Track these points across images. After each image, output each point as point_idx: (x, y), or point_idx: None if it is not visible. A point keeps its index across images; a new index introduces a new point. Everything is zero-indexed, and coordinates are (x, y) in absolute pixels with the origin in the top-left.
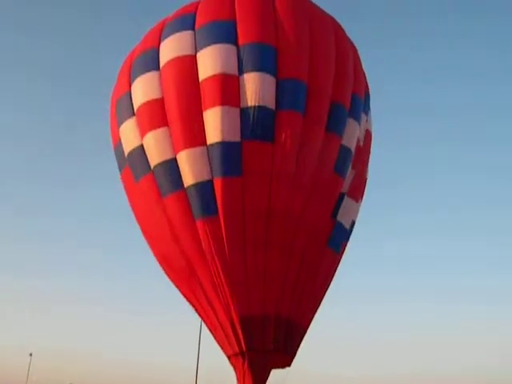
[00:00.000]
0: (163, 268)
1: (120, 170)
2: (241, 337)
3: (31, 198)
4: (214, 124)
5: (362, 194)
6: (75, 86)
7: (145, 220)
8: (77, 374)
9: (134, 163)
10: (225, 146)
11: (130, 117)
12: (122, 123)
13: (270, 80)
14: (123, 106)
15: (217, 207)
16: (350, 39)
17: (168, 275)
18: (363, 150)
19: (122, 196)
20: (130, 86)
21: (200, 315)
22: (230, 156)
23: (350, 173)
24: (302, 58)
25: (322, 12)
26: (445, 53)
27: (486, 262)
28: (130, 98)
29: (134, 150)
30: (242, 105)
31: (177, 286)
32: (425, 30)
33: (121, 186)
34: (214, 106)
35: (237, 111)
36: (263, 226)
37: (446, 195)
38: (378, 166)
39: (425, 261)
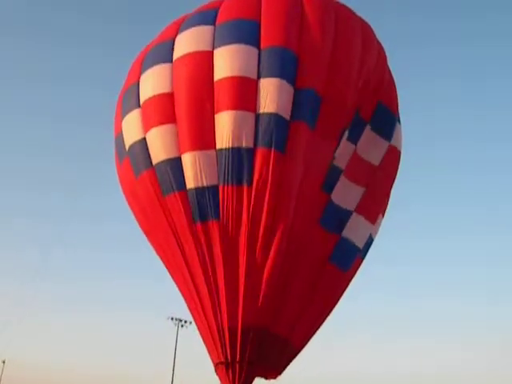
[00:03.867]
0: (163, 263)
1: (120, 161)
2: (227, 347)
3: None
4: (227, 128)
5: (378, 213)
6: None
7: (143, 215)
8: None
9: (135, 157)
10: (237, 153)
11: (134, 108)
12: (126, 114)
13: (288, 88)
14: (130, 97)
15: (220, 213)
16: (379, 44)
17: (168, 270)
18: (381, 168)
19: None
20: (140, 77)
21: (194, 317)
22: (241, 163)
23: (357, 190)
24: (323, 69)
25: (352, 15)
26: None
27: None
28: (138, 89)
29: (135, 143)
30: (259, 110)
31: (175, 282)
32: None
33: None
34: (228, 109)
35: (252, 117)
36: (266, 238)
37: None
38: None
39: None
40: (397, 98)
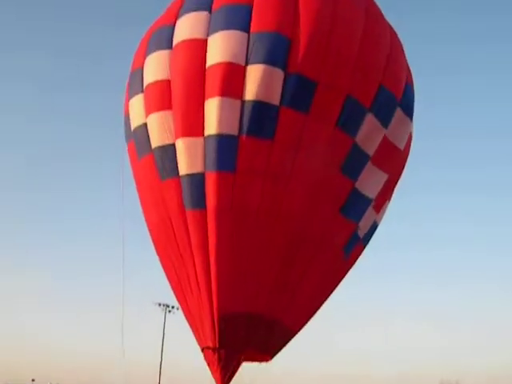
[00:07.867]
0: (154, 244)
1: (126, 142)
2: (215, 333)
3: None
4: (213, 115)
5: (385, 200)
6: None
7: (144, 196)
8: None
9: (138, 140)
10: (221, 139)
11: (139, 93)
12: (132, 97)
13: (278, 74)
14: (135, 81)
15: (205, 201)
16: (388, 25)
17: (157, 252)
18: (403, 155)
19: None
20: (144, 62)
21: (180, 302)
22: (224, 150)
23: (381, 176)
24: (317, 53)
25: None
26: None
27: None
28: (142, 73)
29: (138, 126)
30: (245, 97)
31: (162, 267)
32: None
33: None
34: (214, 95)
35: (238, 104)
36: (252, 225)
37: None
38: None
39: None
40: (409, 80)
